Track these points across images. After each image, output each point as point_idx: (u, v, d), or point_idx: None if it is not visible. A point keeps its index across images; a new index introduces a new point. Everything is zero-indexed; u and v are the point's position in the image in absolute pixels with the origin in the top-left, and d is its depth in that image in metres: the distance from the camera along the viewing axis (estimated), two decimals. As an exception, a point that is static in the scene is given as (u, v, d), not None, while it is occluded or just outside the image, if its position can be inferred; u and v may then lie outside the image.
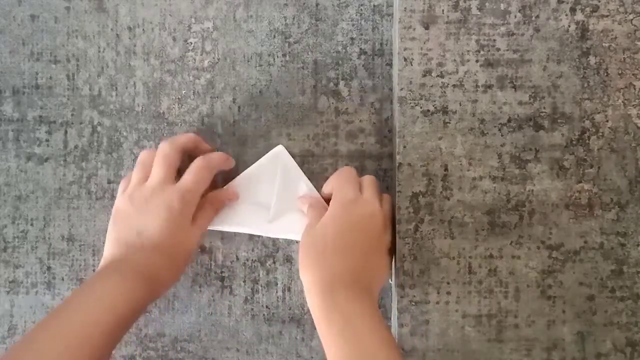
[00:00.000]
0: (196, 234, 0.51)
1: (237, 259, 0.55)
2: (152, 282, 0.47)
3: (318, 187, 0.54)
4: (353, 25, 0.55)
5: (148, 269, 0.48)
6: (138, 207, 0.49)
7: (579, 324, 0.51)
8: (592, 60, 0.51)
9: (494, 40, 0.51)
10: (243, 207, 0.54)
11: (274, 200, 0.53)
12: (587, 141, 0.51)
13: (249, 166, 0.55)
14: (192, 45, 0.55)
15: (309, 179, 0.54)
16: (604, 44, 0.51)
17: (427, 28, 0.52)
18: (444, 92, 0.51)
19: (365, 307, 0.45)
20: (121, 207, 0.50)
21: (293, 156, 0.54)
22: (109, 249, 0.49)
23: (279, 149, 0.55)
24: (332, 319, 0.44)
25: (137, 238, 0.48)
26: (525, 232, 0.51)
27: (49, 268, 0.55)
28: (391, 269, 0.52)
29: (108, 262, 0.48)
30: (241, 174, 0.55)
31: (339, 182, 0.51)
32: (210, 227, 0.54)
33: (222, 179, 0.55)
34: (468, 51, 0.51)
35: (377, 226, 0.49)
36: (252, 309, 0.55)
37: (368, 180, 0.52)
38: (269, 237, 0.55)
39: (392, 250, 0.52)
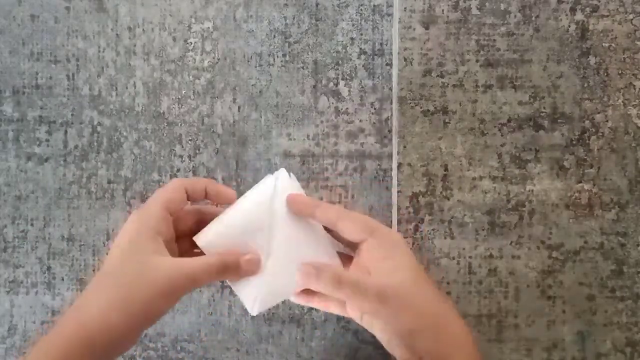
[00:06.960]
0: (167, 261, 0.40)
1: (237, 259, 0.55)
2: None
3: (317, 189, 0.54)
4: (353, 25, 0.55)
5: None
6: None
7: (579, 324, 0.51)
8: (592, 60, 0.51)
9: (494, 40, 0.51)
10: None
11: (267, 248, 0.44)
12: (587, 141, 0.51)
13: (248, 167, 0.54)
14: (192, 45, 0.55)
15: (308, 179, 0.54)
16: (604, 44, 0.51)
17: (427, 28, 0.52)
18: (444, 92, 0.51)
19: None
20: None
21: (293, 156, 0.54)
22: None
23: (280, 174, 0.44)
24: None
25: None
26: (525, 232, 0.51)
27: (49, 268, 0.55)
28: None
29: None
30: (234, 205, 0.46)
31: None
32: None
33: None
34: (468, 51, 0.51)
35: None
36: (252, 309, 0.55)
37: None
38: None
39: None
